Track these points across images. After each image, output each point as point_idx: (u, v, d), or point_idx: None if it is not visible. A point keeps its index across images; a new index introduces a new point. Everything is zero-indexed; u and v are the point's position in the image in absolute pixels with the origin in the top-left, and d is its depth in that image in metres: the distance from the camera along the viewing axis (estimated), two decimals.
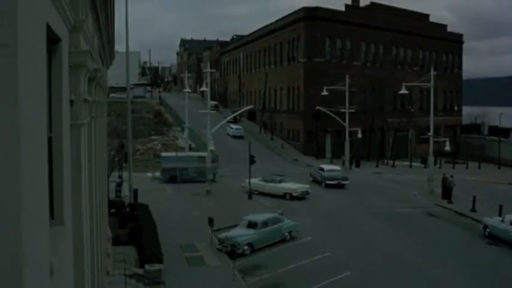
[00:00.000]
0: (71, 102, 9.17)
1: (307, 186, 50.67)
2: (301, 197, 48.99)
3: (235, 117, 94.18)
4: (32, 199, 4.80)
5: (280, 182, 50.55)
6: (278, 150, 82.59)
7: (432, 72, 51.01)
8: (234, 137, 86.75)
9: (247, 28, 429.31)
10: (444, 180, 51.82)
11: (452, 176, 51.98)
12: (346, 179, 56.30)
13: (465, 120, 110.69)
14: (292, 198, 48.53)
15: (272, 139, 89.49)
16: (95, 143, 15.41)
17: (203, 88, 61.48)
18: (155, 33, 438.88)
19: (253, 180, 49.97)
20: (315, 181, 56.96)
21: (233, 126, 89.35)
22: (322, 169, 57.91)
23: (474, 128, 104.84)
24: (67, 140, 8.34)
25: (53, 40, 7.33)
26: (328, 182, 55.31)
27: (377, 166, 74.35)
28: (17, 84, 4.45)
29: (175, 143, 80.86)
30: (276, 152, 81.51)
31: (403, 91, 52.37)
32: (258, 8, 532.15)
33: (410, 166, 76.23)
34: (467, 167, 78.01)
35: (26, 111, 4.55)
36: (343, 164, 70.12)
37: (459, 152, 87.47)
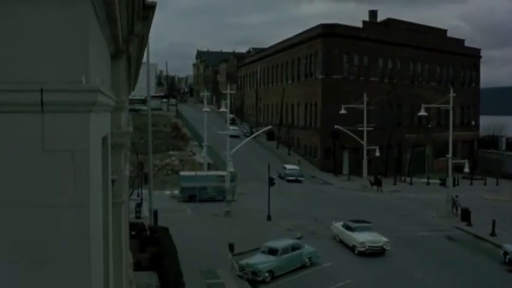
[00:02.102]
0: (113, 181, 9.43)
1: (383, 240, 39.02)
2: (371, 253, 38.23)
3: (251, 133, 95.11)
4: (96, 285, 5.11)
5: (354, 230, 40.02)
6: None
7: (452, 94, 51.01)
8: (232, 136, 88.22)
9: (262, 37, 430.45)
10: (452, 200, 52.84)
11: (457, 196, 52.99)
12: (302, 176, 72.17)
13: (482, 131, 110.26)
14: (360, 253, 38.30)
15: (289, 154, 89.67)
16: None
17: (222, 109, 62.15)
18: (168, 42, 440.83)
19: (336, 224, 42.61)
20: (280, 177, 68.91)
21: (231, 127, 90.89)
22: (285, 168, 73.05)
23: (492, 142, 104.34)
24: (110, 224, 8.61)
25: None
26: (288, 178, 70.03)
27: (395, 184, 74.17)
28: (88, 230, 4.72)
29: (193, 158, 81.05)
30: None
31: (423, 113, 52.38)
32: (273, 17, 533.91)
33: (428, 183, 75.90)
34: (485, 184, 77.87)
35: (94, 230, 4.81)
36: (371, 185, 69.58)
37: (477, 167, 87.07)
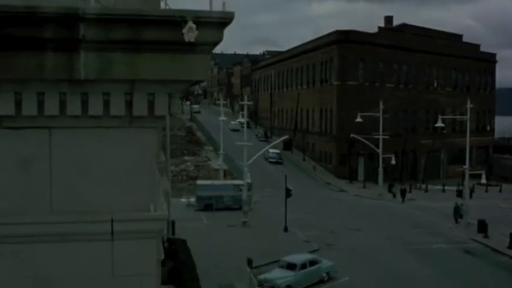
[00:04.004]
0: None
1: None
2: None
3: (266, 136, 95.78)
4: None
5: None
6: (310, 173, 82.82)
7: (469, 105, 50.95)
8: (234, 130, 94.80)
9: (274, 37, 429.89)
10: (456, 208, 53.08)
11: (462, 204, 53.55)
12: (281, 159, 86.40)
13: (496, 133, 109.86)
14: None
15: (304, 160, 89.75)
16: None
17: (240, 119, 62.81)
18: None
19: None
20: (264, 159, 78.66)
21: (232, 122, 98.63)
22: (268, 151, 78.91)
23: (507, 147, 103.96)
24: None
25: None
26: (270, 160, 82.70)
27: (410, 191, 73.75)
28: None
29: (208, 164, 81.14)
30: (308, 175, 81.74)
31: (440, 124, 52.36)
32: (284, 16, 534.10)
33: (443, 191, 75.60)
34: (500, 191, 77.45)
35: None
36: (394, 196, 69.10)
37: (492, 173, 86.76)
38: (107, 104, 4.58)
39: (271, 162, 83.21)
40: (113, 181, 4.70)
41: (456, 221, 53.48)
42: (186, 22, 4.06)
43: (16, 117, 4.49)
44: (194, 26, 2.82)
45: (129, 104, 4.61)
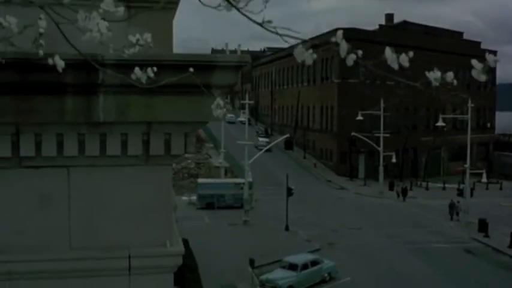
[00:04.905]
0: None
1: None
2: None
3: (266, 133, 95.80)
4: None
5: None
6: (311, 170, 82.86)
7: (470, 105, 51.05)
8: (229, 122, 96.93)
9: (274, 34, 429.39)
10: (451, 205, 53.67)
11: (458, 202, 54.10)
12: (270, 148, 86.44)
13: (497, 130, 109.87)
14: None
15: (305, 157, 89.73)
16: None
17: (241, 118, 62.93)
18: (181, 38, 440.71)
19: None
20: (255, 146, 77.87)
21: (229, 115, 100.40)
22: (258, 139, 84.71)
23: (508, 144, 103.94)
24: None
25: None
26: (260, 148, 77.13)
27: (411, 189, 73.57)
28: None
29: (209, 161, 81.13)
30: (308, 172, 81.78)
31: (441, 123, 52.45)
32: (283, 12, 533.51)
33: (444, 188, 75.54)
34: (500, 188, 77.40)
35: None
36: (398, 196, 68.81)
37: (492, 170, 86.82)
38: (124, 144, 4.68)
39: (261, 149, 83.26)
40: (130, 218, 4.80)
41: (451, 218, 53.67)
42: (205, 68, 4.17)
43: (36, 157, 4.59)
44: (222, 102, 2.92)
45: (146, 144, 4.71)
